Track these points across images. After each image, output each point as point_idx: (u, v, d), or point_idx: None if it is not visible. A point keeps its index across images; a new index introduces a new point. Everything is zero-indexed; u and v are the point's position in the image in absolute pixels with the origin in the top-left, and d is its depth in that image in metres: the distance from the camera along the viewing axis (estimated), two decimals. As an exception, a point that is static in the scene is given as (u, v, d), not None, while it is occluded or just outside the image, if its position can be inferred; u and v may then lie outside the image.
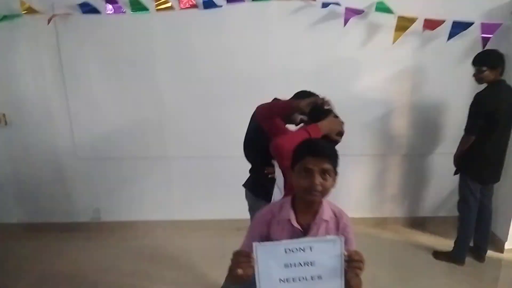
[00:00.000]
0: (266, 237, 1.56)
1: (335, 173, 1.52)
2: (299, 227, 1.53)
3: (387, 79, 3.52)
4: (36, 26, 3.32)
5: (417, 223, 3.98)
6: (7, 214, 3.90)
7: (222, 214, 3.86)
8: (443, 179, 3.84)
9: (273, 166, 2.45)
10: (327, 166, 1.46)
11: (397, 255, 3.55)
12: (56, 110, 3.56)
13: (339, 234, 1.52)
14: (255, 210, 2.55)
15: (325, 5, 3.21)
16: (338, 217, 1.60)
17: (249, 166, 2.63)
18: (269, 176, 2.45)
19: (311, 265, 1.39)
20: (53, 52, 3.40)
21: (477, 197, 3.21)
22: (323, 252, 1.38)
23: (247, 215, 2.73)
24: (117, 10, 3.27)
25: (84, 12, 3.25)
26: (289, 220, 1.53)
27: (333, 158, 1.51)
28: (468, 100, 3.55)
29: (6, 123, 3.58)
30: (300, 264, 1.38)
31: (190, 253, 3.53)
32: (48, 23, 3.23)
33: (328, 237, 1.42)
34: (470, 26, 3.23)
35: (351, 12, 3.22)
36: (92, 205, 3.89)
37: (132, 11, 3.27)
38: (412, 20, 3.22)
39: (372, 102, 3.58)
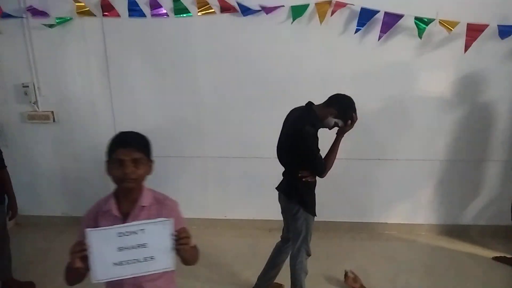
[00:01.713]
0: None
1: (149, 161, 1.66)
2: (118, 215, 1.61)
3: (426, 84, 3.46)
4: (84, 28, 3.48)
5: (453, 231, 3.88)
6: (52, 207, 4.11)
7: (255, 215, 3.93)
8: (480, 187, 3.76)
9: (306, 169, 2.48)
10: (138, 155, 1.58)
11: (430, 263, 3.48)
12: (101, 109, 3.72)
13: (166, 216, 1.57)
14: (288, 213, 2.62)
15: (363, 9, 3.19)
16: (161, 202, 1.69)
17: (283, 168, 2.65)
18: (303, 179, 2.48)
19: (143, 247, 1.48)
20: (100, 54, 3.55)
21: None
22: (154, 234, 1.48)
23: (279, 217, 2.77)
24: (161, 14, 3.38)
25: (131, 15, 3.39)
26: (111, 210, 1.62)
27: (144, 148, 1.63)
28: (508, 109, 3.46)
29: (54, 120, 3.76)
30: (133, 246, 1.47)
31: (223, 252, 3.60)
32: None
33: (159, 219, 1.50)
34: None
35: (390, 17, 3.18)
36: (131, 201, 4.02)
37: (175, 15, 3.38)
38: (454, 24, 3.14)
39: (410, 107, 3.53)
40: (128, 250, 1.47)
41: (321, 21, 3.24)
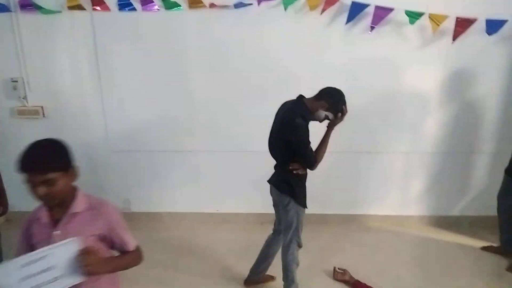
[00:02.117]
0: (30, 237, 1.60)
1: (68, 170, 1.54)
2: (49, 222, 1.57)
3: (416, 77, 3.49)
4: (74, 22, 3.44)
5: (442, 222, 3.93)
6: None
7: (247, 208, 3.94)
8: (469, 178, 3.83)
9: (297, 162, 2.50)
10: (50, 176, 1.45)
11: (420, 254, 3.53)
12: (91, 103, 3.69)
13: (102, 222, 1.60)
14: (280, 206, 2.63)
15: (354, 3, 3.20)
16: (97, 208, 1.63)
17: (274, 162, 2.67)
18: (294, 172, 2.49)
19: (51, 269, 1.44)
20: (90, 48, 3.51)
21: None
22: (60, 255, 1.45)
23: (271, 210, 2.79)
24: (152, 7, 3.36)
25: (121, 9, 3.36)
26: (41, 218, 1.58)
27: (55, 165, 1.49)
28: (496, 101, 3.48)
29: (44, 115, 3.73)
30: (41, 271, 1.43)
31: (216, 245, 3.61)
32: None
33: (65, 241, 1.46)
34: (504, 24, 3.17)
35: (381, 11, 3.19)
36: (122, 196, 4.01)
37: (166, 8, 3.35)
38: (443, 18, 3.17)
39: (400, 100, 3.56)
40: (35, 276, 1.42)
41: (311, 10, 3.26)
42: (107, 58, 3.55)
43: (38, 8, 3.37)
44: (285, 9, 3.27)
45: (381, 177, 3.84)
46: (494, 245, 3.47)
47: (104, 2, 3.35)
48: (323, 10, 3.25)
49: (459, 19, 3.18)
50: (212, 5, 3.30)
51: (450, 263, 3.37)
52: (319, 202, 3.79)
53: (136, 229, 3.84)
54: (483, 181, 3.81)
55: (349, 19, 3.26)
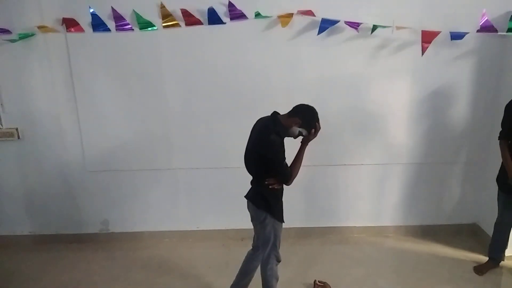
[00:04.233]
0: None
1: None
2: None
3: (387, 91, 3.57)
4: (48, 43, 3.43)
5: (419, 231, 4.01)
6: (18, 226, 4.00)
7: (227, 224, 3.95)
8: (443, 188, 3.91)
9: (272, 177, 2.54)
10: None
11: (398, 264, 3.57)
12: (67, 124, 3.67)
13: None
14: (257, 221, 2.65)
15: (324, 20, 3.28)
16: None
17: (251, 177, 2.69)
18: (270, 187, 2.52)
19: None
20: (65, 69, 3.50)
21: (504, 205, 3.22)
22: None
23: (251, 225, 2.80)
24: (126, 28, 3.38)
25: (95, 30, 3.38)
26: None
27: None
28: (465, 112, 3.61)
29: (19, 137, 3.68)
30: None
31: (196, 263, 3.60)
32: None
33: None
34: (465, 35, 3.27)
35: (349, 26, 3.28)
36: (101, 216, 3.98)
37: (140, 28, 3.38)
38: (408, 31, 3.27)
39: (373, 113, 3.64)
40: None
41: (282, 26, 3.32)
42: (83, 79, 3.54)
43: (11, 41, 3.37)
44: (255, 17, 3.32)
45: (358, 189, 3.90)
46: (482, 262, 3.48)
47: (78, 24, 3.36)
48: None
49: (424, 32, 3.27)
50: (185, 16, 3.32)
51: (427, 271, 3.43)
52: (298, 216, 3.84)
53: (115, 249, 3.91)
54: (456, 190, 3.91)
55: (320, 33, 3.33)
